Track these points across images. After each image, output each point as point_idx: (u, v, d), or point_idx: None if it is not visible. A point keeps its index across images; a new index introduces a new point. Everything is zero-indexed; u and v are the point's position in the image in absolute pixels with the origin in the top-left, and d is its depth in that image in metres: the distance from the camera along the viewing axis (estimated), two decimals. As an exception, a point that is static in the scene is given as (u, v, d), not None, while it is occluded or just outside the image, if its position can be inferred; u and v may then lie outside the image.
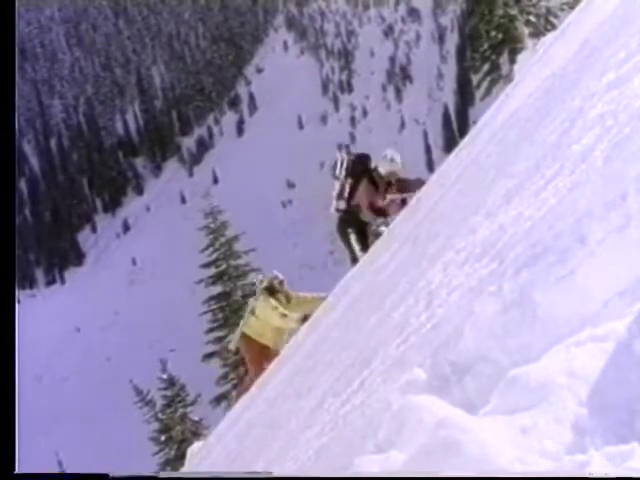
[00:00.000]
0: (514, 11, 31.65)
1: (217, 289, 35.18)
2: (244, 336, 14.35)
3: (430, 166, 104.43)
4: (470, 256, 5.02)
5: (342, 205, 14.14)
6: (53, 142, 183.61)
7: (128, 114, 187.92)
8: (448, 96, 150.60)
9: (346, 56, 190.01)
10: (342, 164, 14.28)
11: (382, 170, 13.94)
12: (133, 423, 42.49)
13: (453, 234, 6.12)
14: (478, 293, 4.19)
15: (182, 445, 32.29)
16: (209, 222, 34.98)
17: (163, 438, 34.74)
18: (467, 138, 12.55)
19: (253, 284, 15.24)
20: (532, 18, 31.72)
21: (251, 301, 14.81)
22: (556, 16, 31.11)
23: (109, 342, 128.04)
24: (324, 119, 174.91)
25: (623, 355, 2.72)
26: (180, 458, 29.76)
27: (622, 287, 3.15)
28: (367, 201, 13.85)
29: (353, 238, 13.94)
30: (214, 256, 34.99)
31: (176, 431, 34.60)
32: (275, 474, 4.15)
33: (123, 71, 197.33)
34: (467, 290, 4.50)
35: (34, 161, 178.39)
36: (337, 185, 14.27)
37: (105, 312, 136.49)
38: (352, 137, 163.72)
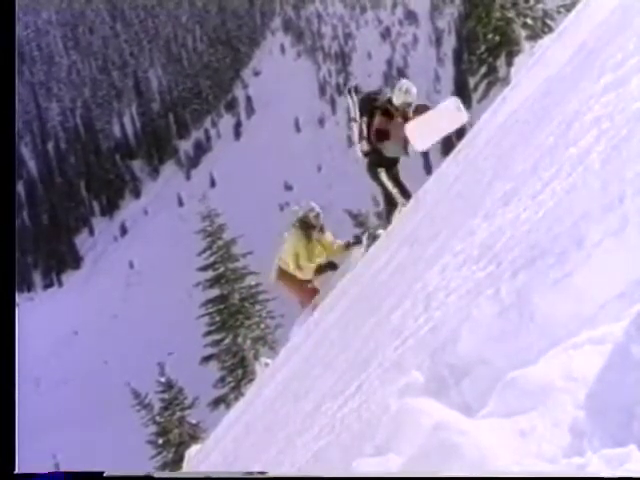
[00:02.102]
0: (511, 14, 31.64)
1: (215, 292, 35.14)
2: (279, 270, 14.22)
3: (428, 169, 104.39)
4: (468, 259, 5.02)
5: (365, 146, 13.74)
6: (50, 145, 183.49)
7: (125, 117, 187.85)
8: (445, 99, 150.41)
9: (343, 59, 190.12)
10: (354, 105, 13.98)
11: (396, 101, 13.73)
12: (131, 426, 42.46)
13: (451, 236, 6.12)
14: (476, 296, 4.19)
15: (180, 448, 32.26)
16: (206, 225, 34.95)
17: (161, 441, 34.71)
18: (464, 141, 12.52)
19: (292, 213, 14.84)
20: (529, 21, 31.72)
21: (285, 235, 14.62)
22: (553, 19, 31.11)
23: (107, 345, 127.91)
24: (321, 122, 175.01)
25: (620, 358, 2.73)
26: (178, 461, 29.74)
27: (619, 290, 3.16)
28: (377, 128, 13.52)
29: (384, 177, 13.55)
30: (212, 259, 34.96)
31: (174, 434, 34.57)
32: (270, 474, 4.16)
33: (120, 74, 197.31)
34: (465, 293, 4.50)
35: (31, 164, 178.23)
36: (355, 127, 13.97)
37: (103, 315, 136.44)
38: (350, 140, 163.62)
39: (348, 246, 14.29)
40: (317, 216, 14.15)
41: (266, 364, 18.96)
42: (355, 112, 13.90)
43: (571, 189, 4.23)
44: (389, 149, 13.58)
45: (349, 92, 14.31)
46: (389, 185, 13.57)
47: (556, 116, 5.99)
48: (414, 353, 4.56)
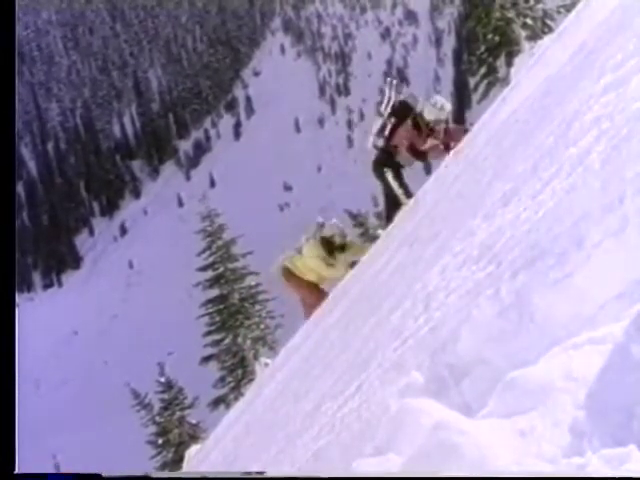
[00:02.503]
0: (511, 14, 31.63)
1: (214, 292, 35.14)
2: (286, 269, 14.01)
3: (428, 168, 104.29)
4: (468, 259, 5.02)
5: (380, 142, 13.83)
6: (50, 145, 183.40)
7: (125, 117, 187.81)
8: (445, 99, 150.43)
9: (343, 59, 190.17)
10: (389, 102, 13.93)
11: (428, 115, 13.68)
12: (131, 426, 42.45)
13: (451, 237, 6.12)
14: (476, 296, 4.19)
15: (180, 448, 32.25)
16: (206, 225, 34.95)
17: (161, 441, 34.70)
18: (464, 141, 12.52)
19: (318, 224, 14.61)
20: (529, 21, 31.70)
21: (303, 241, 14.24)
22: (553, 19, 31.10)
23: (107, 345, 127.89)
24: (321, 122, 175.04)
25: (620, 358, 2.73)
26: (178, 461, 29.74)
27: (619, 290, 3.16)
28: (407, 143, 13.50)
29: (390, 176, 13.56)
30: (211, 259, 34.96)
31: (174, 434, 34.56)
32: (268, 474, 4.16)
33: (120, 74, 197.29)
34: (465, 293, 4.50)
35: (31, 164, 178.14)
36: (379, 121, 13.98)
37: (103, 315, 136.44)
38: (349, 140, 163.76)
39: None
40: (343, 236, 14.07)
41: (266, 364, 18.96)
42: (386, 107, 13.90)
43: (571, 189, 4.23)
44: (404, 159, 13.64)
45: (390, 84, 14.25)
46: (395, 185, 13.56)
47: (556, 116, 5.99)
48: (414, 353, 4.56)
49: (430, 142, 13.63)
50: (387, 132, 13.76)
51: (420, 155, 13.63)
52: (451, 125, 14.23)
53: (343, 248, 13.92)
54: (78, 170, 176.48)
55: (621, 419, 2.58)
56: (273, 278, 14.67)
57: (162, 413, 35.19)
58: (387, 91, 14.17)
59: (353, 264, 13.24)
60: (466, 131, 13.47)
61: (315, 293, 13.70)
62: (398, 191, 13.49)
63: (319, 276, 13.79)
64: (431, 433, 2.88)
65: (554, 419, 2.68)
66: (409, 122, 13.62)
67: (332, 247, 13.81)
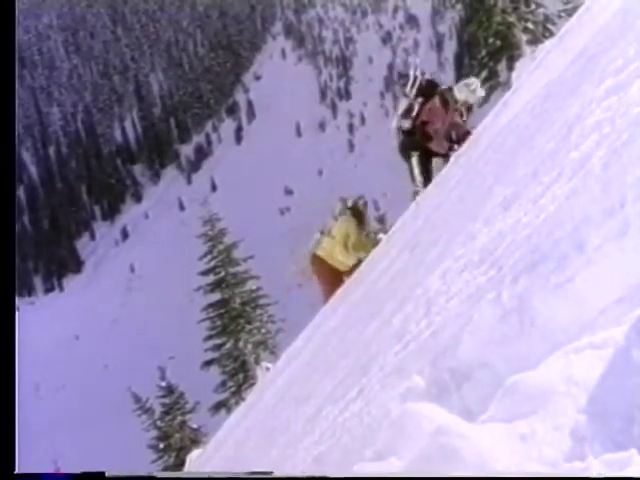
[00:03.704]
0: (512, 18, 31.64)
1: (216, 296, 35.16)
2: (316, 258, 13.83)
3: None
4: (469, 263, 5.03)
5: (407, 124, 13.60)
6: (51, 150, 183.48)
7: (126, 121, 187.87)
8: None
9: (344, 63, 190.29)
10: (415, 82, 13.71)
11: (458, 95, 13.58)
12: (132, 431, 42.45)
13: (452, 241, 6.12)
14: (477, 300, 4.20)
15: (181, 453, 32.26)
16: (207, 229, 34.98)
17: (162, 446, 34.71)
18: (465, 145, 12.53)
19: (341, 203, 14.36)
20: (530, 25, 31.71)
21: (330, 223, 14.12)
22: (554, 23, 31.12)
23: (108, 349, 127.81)
24: (322, 126, 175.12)
25: (621, 362, 2.73)
26: (179, 465, 29.77)
27: (620, 294, 3.16)
28: (424, 118, 13.38)
29: (415, 161, 13.48)
30: (212, 263, 34.98)
31: (175, 439, 34.57)
32: (275, 474, 4.16)
33: (121, 78, 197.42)
34: (466, 297, 4.50)
35: (32, 169, 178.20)
36: (404, 102, 13.75)
37: (104, 319, 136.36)
38: (350, 144, 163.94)
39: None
40: (365, 204, 14.01)
41: (267, 368, 18.96)
42: (412, 90, 13.70)
43: (572, 194, 4.24)
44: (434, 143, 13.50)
45: (414, 65, 14.13)
46: (416, 170, 13.46)
47: (557, 120, 6.00)
48: (415, 357, 4.56)
49: (439, 132, 13.51)
50: (414, 113, 13.57)
51: (425, 136, 13.48)
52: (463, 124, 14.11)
53: (367, 220, 14.02)
54: (79, 174, 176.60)
55: (622, 423, 2.58)
56: (302, 269, 14.44)
57: (163, 417, 35.22)
58: (412, 72, 14.00)
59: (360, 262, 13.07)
60: (468, 133, 13.42)
61: (337, 284, 13.31)
62: (417, 177, 13.41)
63: (346, 250, 13.50)
64: (432, 437, 2.88)
65: (555, 423, 2.68)
66: (437, 98, 13.50)
67: (361, 216, 13.76)
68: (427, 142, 13.51)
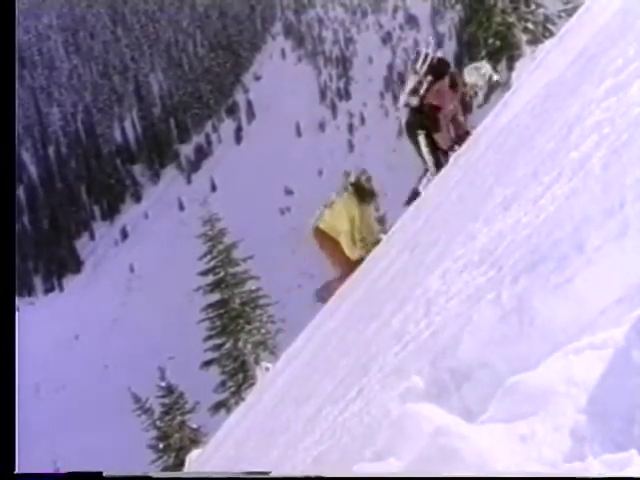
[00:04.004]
0: (512, 18, 31.66)
1: (215, 296, 35.18)
2: (318, 231, 13.49)
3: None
4: (468, 263, 5.02)
5: (415, 101, 13.40)
6: (51, 150, 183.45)
7: (126, 121, 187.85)
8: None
9: (344, 63, 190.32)
10: (425, 60, 13.58)
11: (468, 79, 13.49)
12: (131, 431, 42.45)
13: (451, 241, 6.12)
14: (476, 300, 4.19)
15: (180, 453, 32.27)
16: (207, 229, 35.00)
17: (161, 446, 34.73)
18: (465, 145, 12.52)
19: (347, 178, 14.00)
20: (530, 25, 31.72)
21: (331, 196, 13.85)
22: (554, 23, 31.14)
23: (107, 350, 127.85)
24: (322, 126, 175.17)
25: (621, 363, 2.72)
26: (179, 466, 29.78)
27: (620, 294, 3.16)
28: (435, 103, 13.26)
29: (422, 140, 13.38)
30: (212, 263, 34.99)
31: (174, 439, 34.58)
32: (272, 474, 4.16)
33: (121, 79, 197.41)
34: (465, 297, 4.50)
35: (32, 169, 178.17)
36: (413, 79, 13.55)
37: (103, 319, 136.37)
38: (350, 144, 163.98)
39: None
40: (369, 179, 13.66)
41: (267, 369, 18.97)
42: (422, 67, 13.55)
43: (572, 194, 4.23)
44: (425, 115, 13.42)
45: (427, 43, 14.05)
46: (425, 150, 13.35)
47: (557, 121, 6.00)
48: (415, 358, 4.56)
49: (448, 126, 13.50)
50: (423, 90, 13.40)
51: (433, 122, 13.39)
52: (464, 120, 14.05)
53: (372, 195, 13.62)
54: (79, 174, 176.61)
55: (622, 424, 2.58)
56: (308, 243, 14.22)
57: (163, 417, 35.24)
58: (423, 49, 14.00)
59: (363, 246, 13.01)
60: (468, 133, 13.37)
61: (342, 254, 13.22)
62: (428, 158, 13.31)
63: (351, 225, 13.23)
64: (432, 438, 2.87)
65: (555, 424, 2.68)
66: (447, 79, 13.42)
67: (364, 192, 13.42)
68: (435, 131, 13.43)
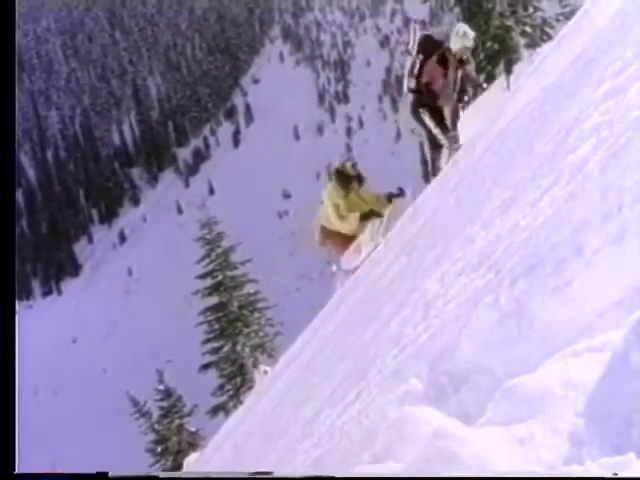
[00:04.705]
0: (510, 22, 31.65)
1: (213, 300, 35.17)
2: (322, 229, 13.69)
3: (426, 176, 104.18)
4: (467, 266, 5.02)
5: (412, 84, 13.44)
6: (49, 153, 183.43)
7: (124, 125, 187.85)
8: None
9: (342, 67, 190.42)
10: (414, 39, 13.69)
11: (454, 47, 13.47)
12: (129, 434, 42.42)
13: (449, 244, 6.12)
14: (475, 304, 4.20)
15: (178, 456, 32.27)
16: (205, 233, 35.00)
17: (159, 449, 34.71)
18: (463, 148, 12.52)
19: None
20: (528, 29, 31.72)
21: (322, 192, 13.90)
22: (552, 27, 31.14)
23: (105, 353, 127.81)
24: (320, 130, 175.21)
25: (620, 366, 2.73)
26: (177, 469, 29.79)
27: (618, 297, 3.16)
28: (427, 80, 13.31)
29: (427, 117, 13.33)
30: (210, 267, 35.00)
31: (172, 442, 34.57)
32: (275, 474, 4.15)
33: (119, 82, 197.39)
34: (464, 300, 4.50)
35: (31, 172, 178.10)
36: (409, 61, 13.70)
37: (101, 323, 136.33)
38: (348, 148, 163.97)
39: (390, 198, 13.71)
40: (354, 166, 13.69)
41: (265, 372, 19.00)
42: (413, 47, 13.64)
43: (570, 197, 4.24)
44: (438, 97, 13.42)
45: (414, 26, 14.04)
46: (431, 125, 13.34)
47: (555, 124, 6.00)
48: (413, 361, 4.56)
49: (445, 87, 13.47)
50: (416, 71, 13.45)
51: (432, 96, 13.39)
52: (473, 74, 14.04)
53: (360, 180, 13.62)
54: (77, 178, 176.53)
55: (620, 427, 2.58)
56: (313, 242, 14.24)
57: (161, 421, 35.22)
58: (411, 32, 14.06)
59: (363, 217, 13.13)
60: (482, 88, 13.35)
61: (347, 244, 13.41)
62: (435, 131, 13.30)
63: (337, 214, 13.35)
64: (430, 441, 2.88)
65: (553, 427, 2.68)
66: (435, 58, 13.38)
67: (349, 180, 13.47)
68: (435, 101, 13.44)
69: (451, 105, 13.56)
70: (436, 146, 13.44)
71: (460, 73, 13.57)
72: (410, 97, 13.82)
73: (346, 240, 13.53)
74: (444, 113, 13.64)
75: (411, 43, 13.77)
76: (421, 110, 13.46)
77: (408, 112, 14.00)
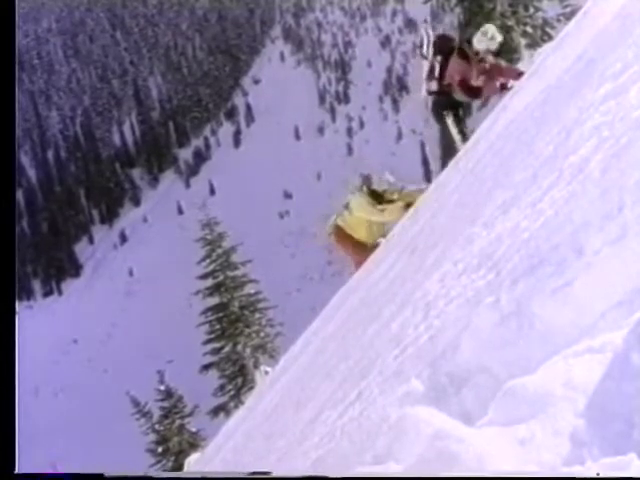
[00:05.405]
0: (511, 22, 31.60)
1: (214, 300, 35.16)
2: (338, 228, 13.53)
3: (427, 177, 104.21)
4: (467, 267, 5.02)
5: (434, 86, 13.37)
6: (50, 153, 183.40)
7: (125, 125, 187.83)
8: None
9: (343, 67, 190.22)
10: (428, 42, 13.50)
11: (477, 45, 13.36)
12: (130, 434, 42.41)
13: (450, 245, 6.12)
14: (475, 304, 4.19)
15: (179, 456, 32.26)
16: (206, 233, 35.00)
17: (160, 449, 34.69)
18: (464, 149, 12.51)
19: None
20: (529, 29, 31.67)
21: (349, 196, 13.65)
22: (553, 27, 31.10)
23: (106, 353, 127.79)
24: (321, 130, 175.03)
25: (620, 366, 2.73)
26: (177, 469, 29.76)
27: (619, 298, 3.16)
28: (458, 78, 13.18)
29: (450, 120, 13.26)
30: (211, 267, 34.98)
31: (173, 442, 34.55)
32: (273, 474, 4.15)
33: (120, 82, 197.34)
34: (464, 301, 4.50)
35: (31, 173, 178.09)
36: (425, 65, 13.51)
37: (102, 323, 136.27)
38: (349, 148, 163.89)
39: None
40: (392, 191, 13.45)
41: (266, 372, 19.02)
42: (428, 50, 13.48)
43: (571, 197, 4.23)
44: (460, 94, 13.31)
45: (425, 28, 13.92)
46: (453, 130, 13.23)
47: (556, 124, 6.00)
48: (414, 362, 4.56)
49: (483, 79, 13.29)
50: (437, 73, 13.36)
51: (473, 91, 13.26)
52: (504, 63, 13.95)
53: (392, 201, 13.35)
54: (78, 178, 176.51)
55: (621, 428, 2.58)
56: (325, 239, 14.15)
57: (162, 421, 35.21)
58: (423, 31, 13.84)
59: (408, 206, 12.62)
60: (520, 74, 13.23)
61: (363, 253, 13.11)
62: (456, 136, 13.16)
63: (368, 232, 13.30)
64: (431, 441, 2.88)
65: (554, 428, 2.68)
66: (455, 55, 13.27)
67: (381, 200, 13.29)
68: (478, 95, 13.35)
69: (495, 93, 13.41)
70: (450, 150, 13.35)
71: (481, 79, 13.47)
72: (430, 100, 13.73)
73: (355, 246, 13.44)
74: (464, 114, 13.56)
75: (424, 46, 13.62)
76: (445, 113, 13.38)
77: (429, 112, 13.90)
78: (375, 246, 13.11)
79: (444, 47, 13.43)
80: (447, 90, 13.37)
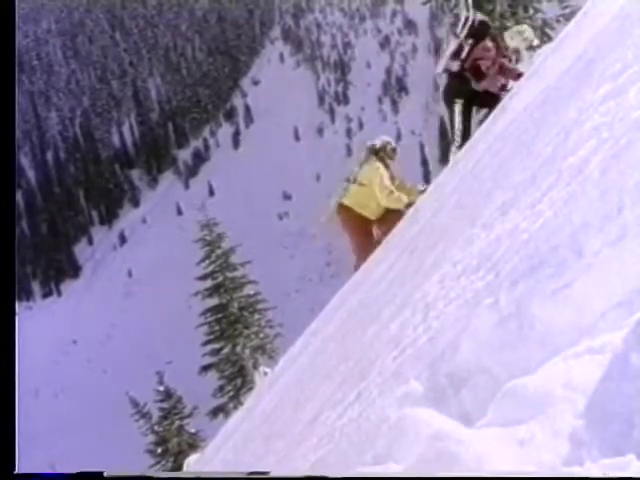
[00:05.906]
0: (510, 23, 31.62)
1: (213, 301, 35.22)
2: (342, 207, 13.03)
3: (427, 178, 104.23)
4: (467, 268, 5.02)
5: (456, 66, 13.10)
6: (49, 154, 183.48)
7: (124, 126, 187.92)
8: (444, 108, 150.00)
9: (342, 68, 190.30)
10: (466, 22, 13.23)
11: (509, 42, 13.28)
12: (129, 435, 42.43)
13: (450, 246, 6.12)
14: (475, 305, 4.19)
15: (179, 457, 32.29)
16: (205, 234, 35.06)
17: (159, 450, 34.73)
18: (463, 150, 12.50)
19: (370, 146, 13.33)
20: (528, 30, 31.72)
21: (354, 170, 13.29)
22: (552, 28, 31.11)
23: (105, 354, 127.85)
24: (320, 131, 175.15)
25: (620, 367, 2.73)
26: (177, 470, 29.77)
27: (619, 299, 3.16)
28: (476, 57, 13.00)
29: (458, 109, 13.09)
30: (210, 268, 35.04)
31: (173, 443, 34.58)
32: (273, 474, 4.15)
33: (119, 83, 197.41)
34: (464, 302, 4.50)
35: (31, 174, 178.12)
36: (454, 43, 13.25)
37: (101, 324, 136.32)
38: (348, 149, 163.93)
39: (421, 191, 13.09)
40: (394, 150, 13.36)
41: (265, 373, 18.98)
42: (463, 30, 13.27)
43: (570, 199, 4.23)
44: (484, 81, 13.20)
45: (466, 3, 13.76)
46: (458, 119, 13.08)
47: (555, 125, 5.99)
48: (413, 363, 4.56)
49: (493, 70, 13.23)
50: (464, 54, 13.15)
51: (477, 75, 13.02)
52: (511, 65, 13.87)
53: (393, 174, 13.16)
54: (77, 179, 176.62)
55: (621, 428, 2.58)
56: (325, 224, 13.87)
57: (161, 422, 35.25)
58: (464, 12, 13.56)
59: (408, 206, 12.42)
60: (520, 75, 13.17)
61: (367, 233, 12.97)
62: (458, 125, 13.06)
63: (376, 204, 12.87)
64: (430, 442, 2.88)
65: (553, 428, 2.68)
66: (488, 40, 13.13)
67: (387, 160, 13.07)
68: (479, 80, 13.21)
69: (494, 89, 13.37)
70: (466, 133, 13.24)
71: (506, 62, 13.41)
72: (446, 80, 13.63)
73: (362, 224, 13.03)
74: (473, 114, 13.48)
75: (461, 25, 13.44)
76: (456, 100, 13.26)
77: (440, 96, 13.80)
78: (378, 221, 13.02)
79: (479, 32, 13.26)
80: (465, 77, 13.24)
